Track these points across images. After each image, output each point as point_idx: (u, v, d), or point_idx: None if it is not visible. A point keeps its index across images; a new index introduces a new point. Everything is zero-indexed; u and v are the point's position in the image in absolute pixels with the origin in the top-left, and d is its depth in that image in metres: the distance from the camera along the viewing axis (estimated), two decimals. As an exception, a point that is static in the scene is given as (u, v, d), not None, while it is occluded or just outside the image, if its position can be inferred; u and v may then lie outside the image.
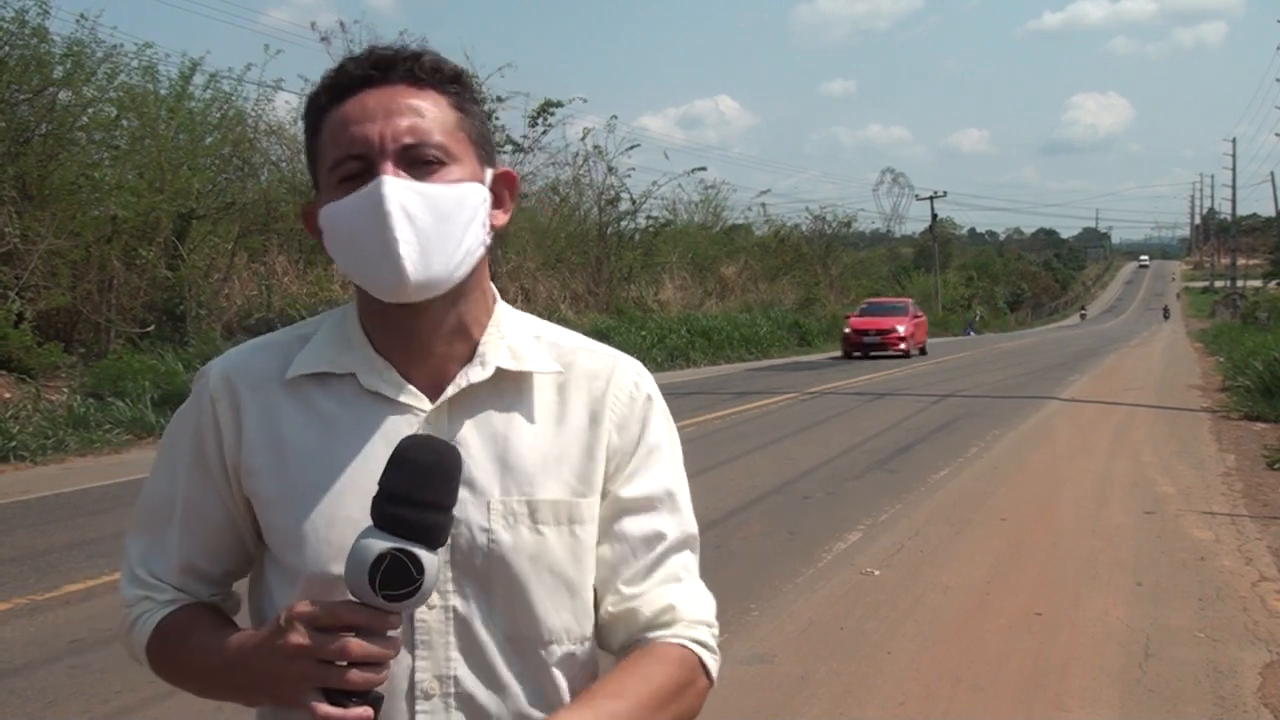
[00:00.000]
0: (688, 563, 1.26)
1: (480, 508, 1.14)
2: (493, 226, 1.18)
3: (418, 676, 1.12)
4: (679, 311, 29.20)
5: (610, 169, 28.19)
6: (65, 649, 4.70)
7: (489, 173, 1.19)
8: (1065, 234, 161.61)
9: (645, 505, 1.23)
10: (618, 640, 1.21)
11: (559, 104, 24.31)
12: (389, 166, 1.09)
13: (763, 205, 45.99)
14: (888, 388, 17.92)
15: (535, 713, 1.15)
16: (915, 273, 62.13)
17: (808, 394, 16.83)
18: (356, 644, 1.00)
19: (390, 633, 1.02)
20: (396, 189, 1.08)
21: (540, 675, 1.16)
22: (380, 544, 0.98)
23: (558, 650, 1.17)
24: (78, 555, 6.31)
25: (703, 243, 35.24)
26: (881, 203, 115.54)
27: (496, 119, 22.93)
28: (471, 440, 1.15)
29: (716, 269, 35.15)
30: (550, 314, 22.98)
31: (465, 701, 1.13)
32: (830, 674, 4.39)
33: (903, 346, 26.42)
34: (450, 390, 1.16)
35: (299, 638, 1.01)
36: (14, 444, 10.44)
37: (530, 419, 1.18)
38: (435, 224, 1.10)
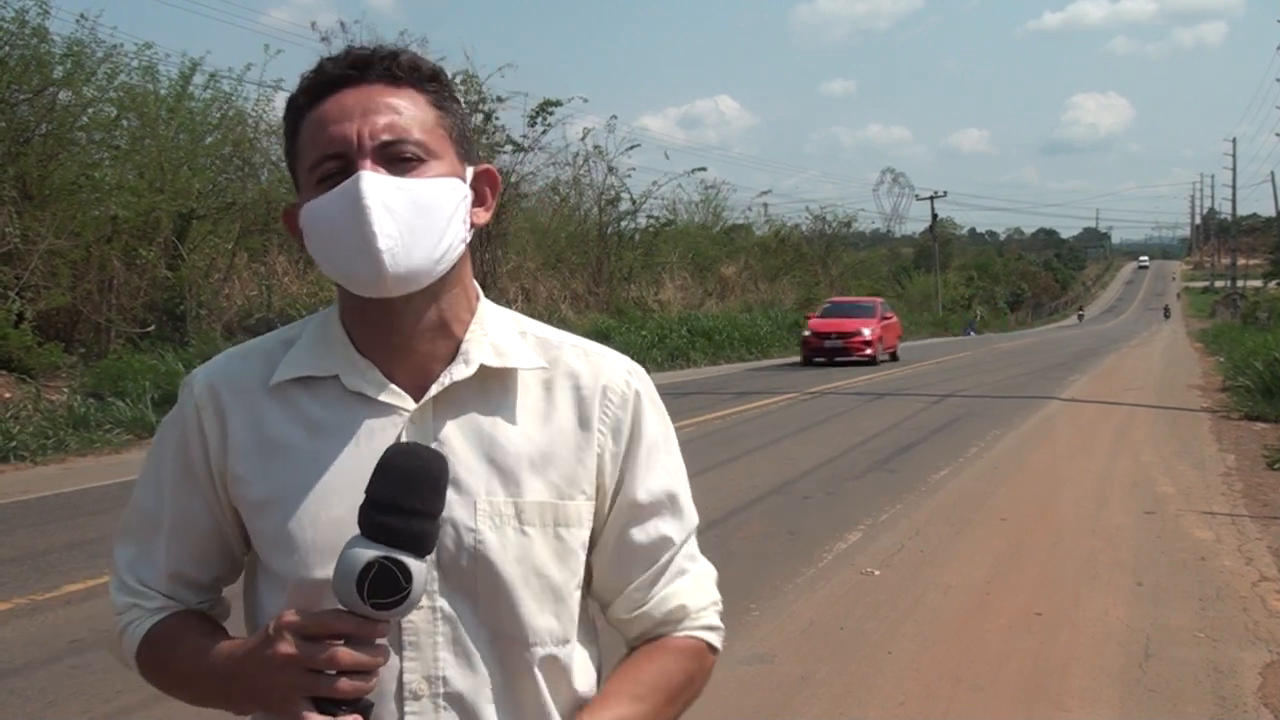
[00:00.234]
0: (691, 552, 1.29)
1: (467, 508, 1.14)
2: (473, 224, 1.18)
3: (406, 677, 1.12)
4: (679, 311, 29.21)
5: (610, 169, 28.24)
6: (65, 649, 4.70)
7: (469, 170, 1.19)
8: (1065, 234, 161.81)
9: (650, 511, 1.24)
10: (631, 634, 1.26)
11: (558, 103, 24.34)
12: (367, 164, 1.09)
13: (763, 205, 46.07)
14: (888, 388, 17.92)
15: (525, 713, 1.16)
16: (915, 273, 62.12)
17: (808, 394, 16.83)
18: (345, 653, 1.00)
19: (378, 640, 1.02)
20: (375, 184, 1.08)
21: (527, 675, 1.16)
22: (368, 553, 0.98)
23: (540, 652, 1.17)
24: (78, 555, 6.31)
25: (703, 243, 35.26)
26: (881, 203, 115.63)
27: (497, 119, 22.95)
28: (456, 439, 1.15)
29: (717, 269, 35.16)
30: (550, 314, 23.03)
31: (454, 701, 1.13)
32: (830, 674, 4.39)
33: (869, 352, 23.61)
34: (434, 389, 1.16)
35: (287, 647, 1.02)
36: (14, 444, 10.44)
37: (516, 417, 1.18)
38: (415, 218, 1.10)
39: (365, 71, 1.13)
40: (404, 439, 1.14)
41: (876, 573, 5.93)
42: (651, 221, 30.62)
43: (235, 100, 18.36)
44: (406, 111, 1.13)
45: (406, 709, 1.12)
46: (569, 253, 27.87)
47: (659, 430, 1.26)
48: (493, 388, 1.18)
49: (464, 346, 1.18)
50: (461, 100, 1.22)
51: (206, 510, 1.20)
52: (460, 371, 1.16)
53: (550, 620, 1.17)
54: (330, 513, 1.12)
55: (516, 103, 27.95)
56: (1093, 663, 4.50)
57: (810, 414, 14.13)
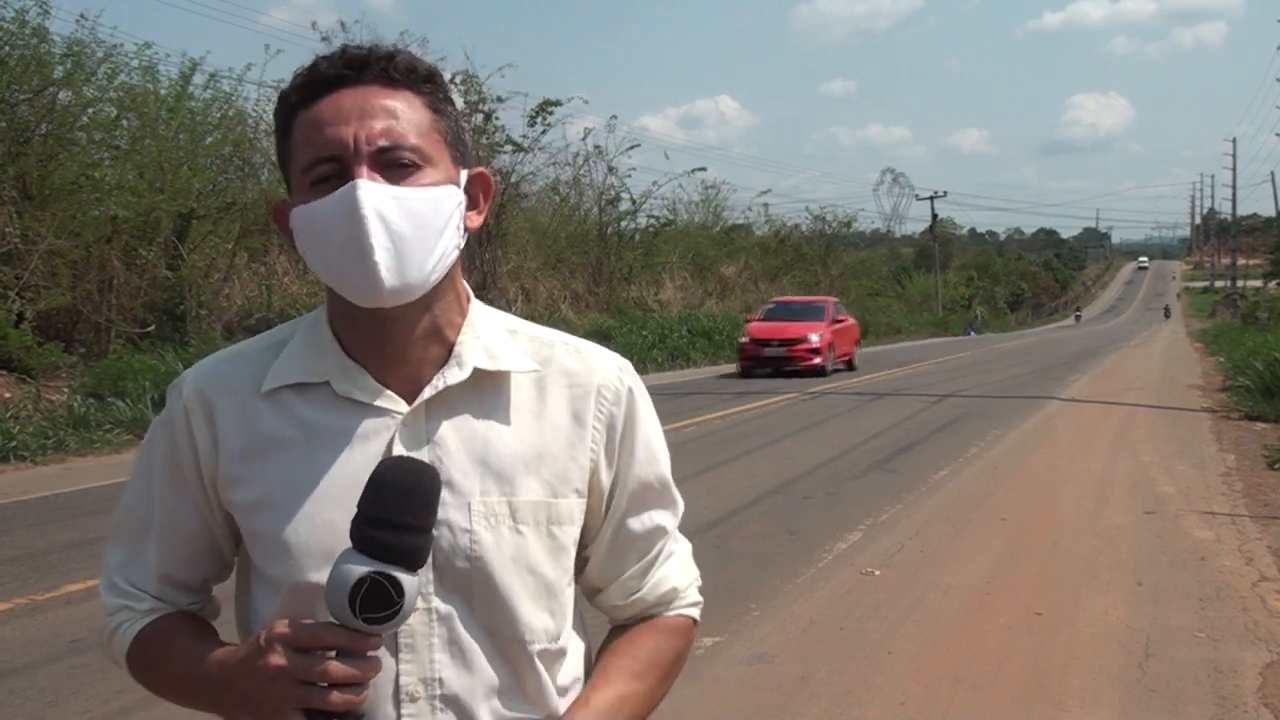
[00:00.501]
0: (676, 535, 1.33)
1: (461, 509, 1.14)
2: (466, 228, 1.17)
3: (402, 680, 1.12)
4: (679, 311, 29.19)
5: (610, 169, 28.20)
6: (65, 649, 4.70)
7: (464, 174, 1.17)
8: (1065, 234, 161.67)
9: (645, 502, 1.27)
10: (622, 617, 1.30)
11: (558, 103, 24.32)
12: (364, 170, 1.08)
13: (763, 205, 46.02)
14: (888, 388, 17.92)
15: (519, 712, 1.16)
16: (915, 273, 62.13)
17: (808, 394, 16.82)
18: (337, 666, 1.00)
19: (370, 653, 1.02)
20: (372, 193, 1.07)
21: (523, 674, 1.17)
22: (360, 568, 0.98)
23: (536, 649, 1.17)
24: (78, 555, 6.32)
25: (703, 243, 35.25)
26: (882, 203, 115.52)
27: (496, 119, 22.94)
28: (450, 441, 1.15)
29: (717, 269, 35.15)
30: (550, 314, 23.04)
31: (451, 702, 1.13)
32: (830, 674, 4.39)
33: (817, 361, 20.25)
34: (427, 392, 1.15)
35: (279, 659, 1.02)
36: (14, 444, 10.44)
37: (509, 418, 1.18)
38: (411, 229, 1.09)
39: (361, 72, 1.12)
40: (397, 442, 1.13)
41: (876, 573, 5.93)
42: (651, 221, 30.62)
43: (235, 100, 18.38)
44: (403, 115, 1.11)
45: (403, 711, 1.12)
46: (569, 253, 27.86)
47: (651, 423, 1.27)
48: (486, 390, 1.18)
49: (457, 349, 1.18)
50: (457, 101, 1.21)
51: (196, 513, 1.20)
52: (454, 375, 1.16)
53: (545, 618, 1.18)
54: (324, 517, 1.12)
55: (516, 103, 27.98)
56: (1093, 663, 4.50)
57: (810, 414, 14.13)
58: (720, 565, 6.02)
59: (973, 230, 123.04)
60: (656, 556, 1.29)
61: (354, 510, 1.02)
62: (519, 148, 23.93)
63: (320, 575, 1.04)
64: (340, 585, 0.98)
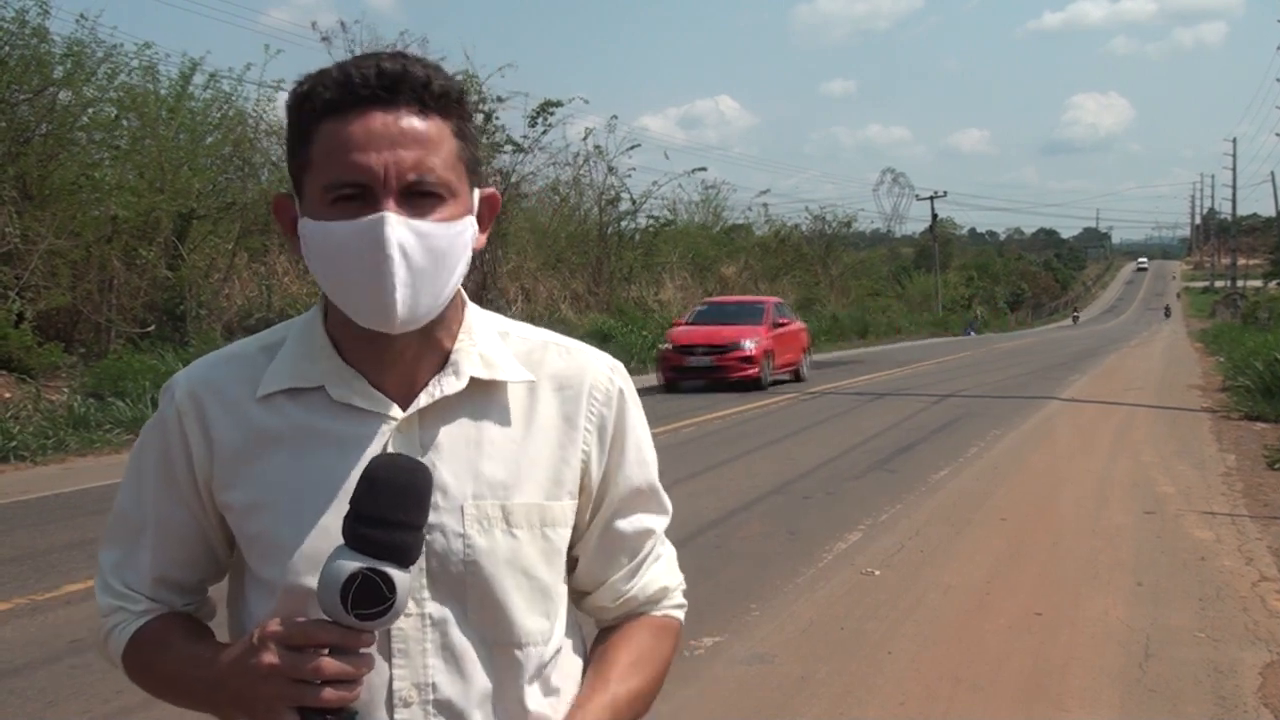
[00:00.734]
0: (663, 538, 1.32)
1: (454, 513, 1.14)
2: (473, 250, 1.17)
3: (396, 685, 1.12)
4: (679, 311, 29.19)
5: (610, 169, 28.23)
6: (65, 649, 4.70)
7: (476, 195, 1.17)
8: (1065, 234, 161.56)
9: (635, 504, 1.27)
10: (610, 618, 1.30)
11: (559, 104, 24.33)
12: (391, 203, 1.07)
13: (763, 205, 46.04)
14: (888, 388, 17.92)
15: (512, 717, 1.17)
16: (915, 273, 62.15)
17: (808, 394, 16.82)
18: (329, 663, 1.00)
19: (363, 650, 1.02)
20: (397, 230, 1.06)
21: (516, 679, 1.17)
22: (351, 564, 0.98)
23: (532, 652, 1.18)
24: (78, 555, 6.32)
25: (703, 243, 35.27)
26: (882, 203, 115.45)
27: (496, 119, 22.94)
28: (444, 446, 1.15)
29: (717, 269, 35.17)
30: (550, 314, 23.05)
31: (444, 707, 1.13)
32: (830, 674, 4.39)
33: (751, 372, 17.01)
34: (423, 400, 1.15)
35: (271, 657, 1.02)
36: (14, 444, 10.45)
37: (502, 424, 1.18)
38: (429, 264, 1.08)
39: (395, 94, 1.08)
40: (391, 447, 1.13)
41: (877, 573, 5.93)
42: (651, 221, 30.64)
43: (235, 100, 18.40)
44: (434, 146, 1.09)
45: (396, 716, 1.12)
46: (569, 253, 27.87)
47: (641, 426, 1.27)
48: (480, 397, 1.18)
49: (453, 357, 1.18)
50: (471, 115, 1.19)
51: (189, 515, 1.20)
52: (451, 385, 1.16)
53: (539, 620, 1.18)
54: (318, 521, 1.11)
55: (516, 103, 28.00)
56: (1093, 663, 4.50)
57: (810, 414, 14.13)
58: (720, 565, 6.02)
59: (973, 230, 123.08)
60: (645, 558, 1.28)
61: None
62: (519, 148, 23.94)
63: (314, 579, 1.04)
64: (332, 581, 0.98)
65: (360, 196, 1.07)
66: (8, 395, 12.31)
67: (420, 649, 1.13)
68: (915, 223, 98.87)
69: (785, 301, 22.99)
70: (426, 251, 1.08)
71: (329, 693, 1.01)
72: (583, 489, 1.22)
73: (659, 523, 1.30)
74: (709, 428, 12.52)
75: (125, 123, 16.38)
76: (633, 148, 28.62)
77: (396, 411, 1.15)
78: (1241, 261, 77.96)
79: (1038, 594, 5.57)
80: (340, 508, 1.04)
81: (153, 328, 15.42)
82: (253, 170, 19.73)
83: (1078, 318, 72.12)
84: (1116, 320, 69.78)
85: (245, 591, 1.20)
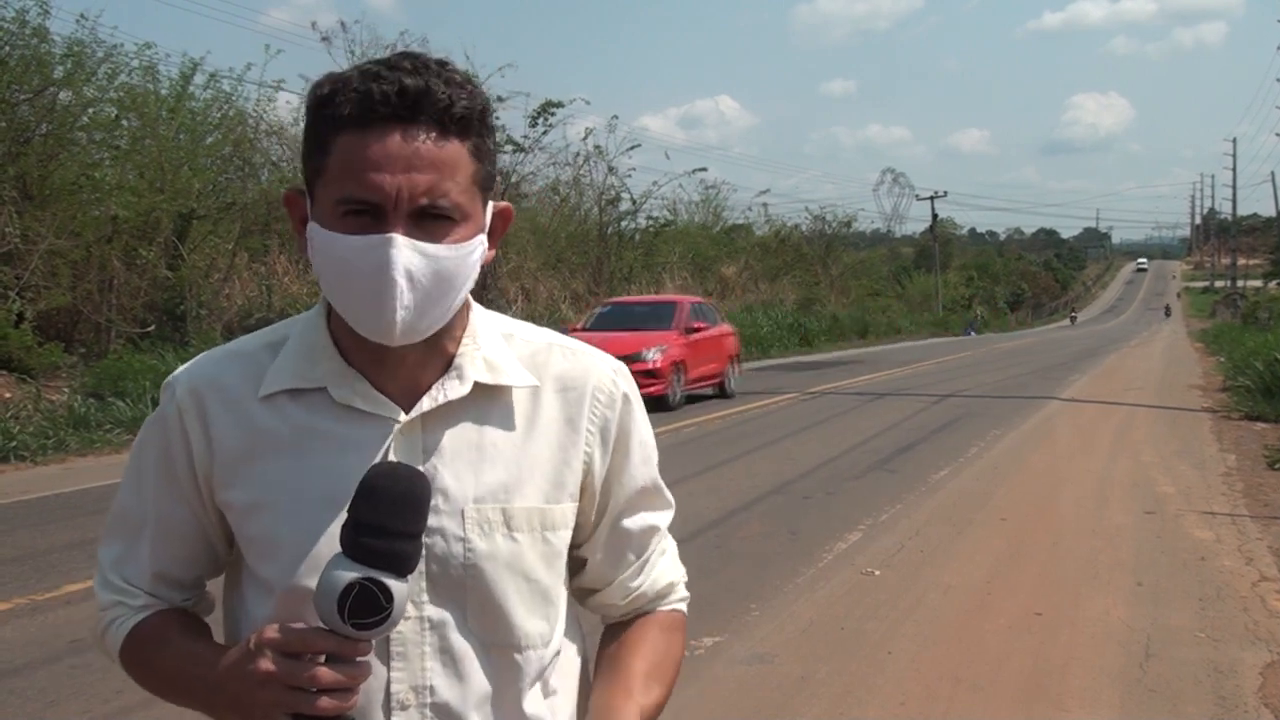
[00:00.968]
0: (666, 533, 1.34)
1: (455, 517, 1.14)
2: (482, 263, 1.16)
3: (393, 688, 1.12)
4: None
5: (611, 169, 28.24)
6: (66, 649, 4.70)
7: (489, 209, 1.16)
8: (1066, 234, 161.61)
9: (640, 503, 1.28)
10: (618, 615, 1.31)
11: (559, 104, 24.35)
12: (400, 226, 1.06)
13: (763, 205, 46.07)
14: (888, 388, 17.92)
15: (511, 719, 1.17)
16: (916, 273, 62.16)
17: (808, 394, 16.82)
18: (325, 672, 1.00)
19: (360, 659, 1.02)
20: (404, 253, 1.06)
21: (515, 680, 1.17)
22: (348, 574, 0.98)
23: (532, 655, 1.18)
24: (78, 555, 6.32)
25: (703, 243, 35.27)
26: (882, 203, 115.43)
27: (496, 119, 22.90)
28: (446, 450, 1.15)
29: (717, 269, 35.17)
30: (550, 314, 23.02)
31: (441, 711, 1.13)
32: (831, 674, 4.39)
33: (656, 388, 13.99)
34: (426, 404, 1.15)
35: (268, 664, 1.02)
36: (14, 444, 10.45)
37: (505, 427, 1.18)
38: (435, 287, 1.08)
39: (416, 113, 1.07)
40: (392, 450, 1.13)
41: (877, 573, 5.93)
42: (652, 222, 30.64)
43: (235, 100, 18.41)
44: (449, 171, 1.08)
45: (394, 719, 1.12)
46: (569, 253, 27.87)
47: (644, 426, 1.28)
48: (483, 401, 1.18)
49: (457, 361, 1.17)
50: (494, 129, 1.17)
51: (189, 512, 1.20)
52: (454, 389, 1.16)
53: (539, 623, 1.18)
54: (317, 522, 1.11)
55: (517, 103, 27.95)
56: (1093, 663, 4.50)
57: (810, 414, 14.12)
58: (720, 565, 6.02)
59: (973, 230, 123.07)
60: (652, 555, 1.30)
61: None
62: (519, 148, 23.95)
63: (313, 580, 1.04)
64: (329, 591, 0.98)
65: (370, 214, 1.07)
66: (8, 395, 12.31)
67: (419, 652, 1.13)
68: (915, 223, 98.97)
69: (710, 302, 20.72)
70: (433, 274, 1.08)
71: (325, 701, 1.00)
72: (585, 491, 1.22)
73: (664, 519, 1.31)
74: (709, 428, 12.52)
75: (125, 123, 16.38)
76: (633, 148, 28.66)
77: (399, 414, 1.15)
78: (1241, 261, 77.95)
79: (1038, 594, 5.57)
80: (340, 510, 1.04)
81: (153, 328, 15.42)
82: (253, 170, 19.75)
83: (1075, 318, 70.68)
84: (1116, 320, 69.74)
85: (243, 589, 1.20)
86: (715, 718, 4.04)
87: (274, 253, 18.88)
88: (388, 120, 1.06)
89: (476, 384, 1.16)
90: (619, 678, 1.22)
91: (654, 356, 14.40)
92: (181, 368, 1.23)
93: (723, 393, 16.49)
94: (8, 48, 14.18)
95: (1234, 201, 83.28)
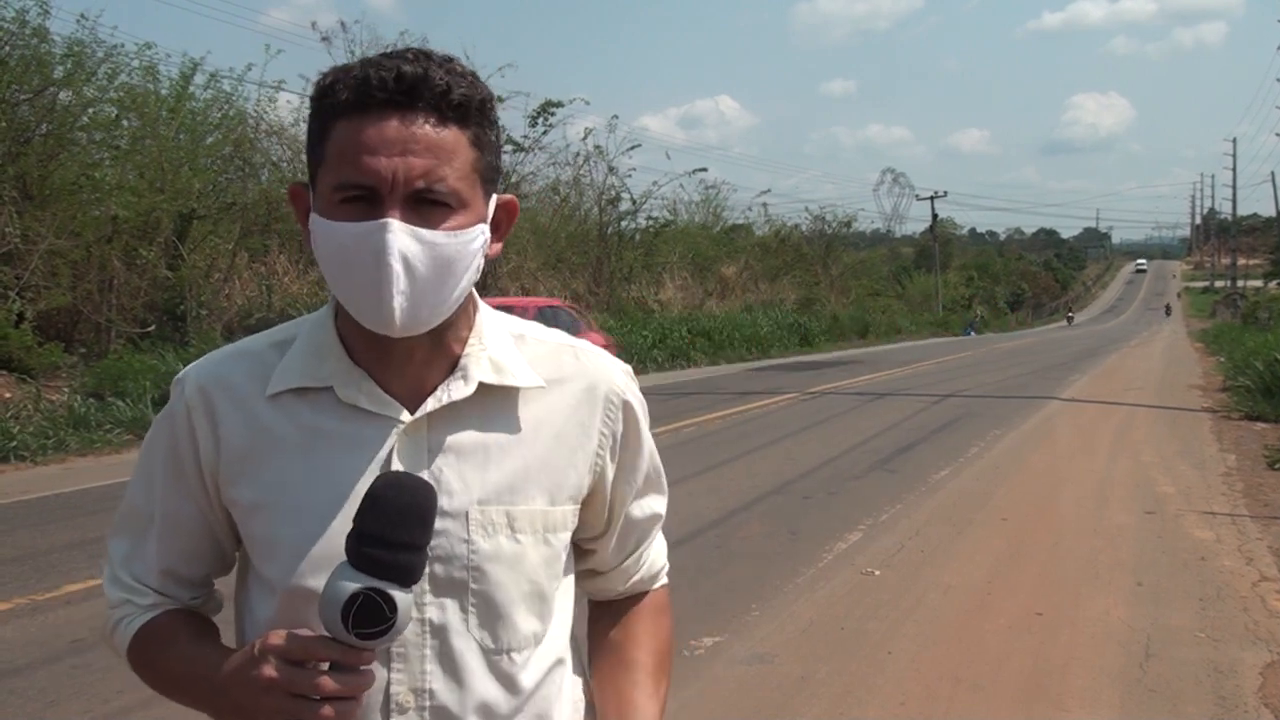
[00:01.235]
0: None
1: (459, 519, 1.14)
2: (486, 256, 1.16)
3: (393, 690, 1.12)
4: (680, 311, 29.19)
5: (611, 169, 28.24)
6: (66, 649, 4.70)
7: (493, 202, 1.16)
8: (1066, 234, 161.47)
9: (645, 490, 1.31)
10: (613, 595, 1.36)
11: (559, 104, 24.36)
12: (396, 210, 1.06)
13: (763, 205, 45.94)
14: (888, 388, 17.92)
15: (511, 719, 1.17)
16: (916, 273, 62.12)
17: (808, 394, 16.82)
18: (328, 680, 1.00)
19: (364, 667, 1.02)
20: (400, 238, 1.05)
21: (512, 684, 1.17)
22: (353, 585, 0.98)
23: (528, 655, 1.18)
24: (78, 555, 6.32)
25: (703, 243, 35.26)
26: (882, 203, 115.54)
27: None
28: (451, 451, 1.15)
29: (717, 269, 35.16)
30: (551, 314, 22.96)
31: (439, 714, 1.13)
32: (831, 674, 4.39)
33: None
34: (430, 404, 1.15)
35: (271, 671, 1.02)
36: (14, 444, 10.44)
37: (512, 430, 1.18)
38: (433, 273, 1.08)
39: (413, 99, 1.07)
40: (397, 451, 1.13)
41: (877, 573, 5.93)
42: (652, 221, 30.64)
43: (236, 100, 18.42)
44: (446, 156, 1.08)
45: None
46: (569, 253, 27.86)
47: (646, 423, 1.30)
48: (489, 402, 1.18)
49: (463, 362, 1.17)
50: (499, 123, 1.17)
51: (197, 510, 1.20)
52: (459, 390, 1.16)
53: (536, 623, 1.19)
54: (321, 523, 1.12)
55: (517, 103, 27.94)
56: (1093, 663, 4.50)
57: (810, 414, 14.12)
58: (720, 565, 6.02)
59: (973, 230, 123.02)
60: (652, 540, 1.35)
61: (352, 517, 1.02)
62: (519, 148, 23.96)
63: (316, 581, 1.04)
64: (334, 600, 0.99)
65: (367, 199, 1.07)
66: (8, 395, 12.31)
67: (419, 654, 1.13)
68: (915, 223, 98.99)
69: (572, 306, 19.28)
70: (430, 260, 1.07)
71: (327, 709, 1.00)
72: (596, 491, 1.23)
73: (663, 503, 1.35)
74: (709, 428, 12.52)
75: (125, 123, 16.39)
76: (633, 148, 28.68)
77: (404, 415, 1.15)
78: (1242, 261, 77.93)
79: (1038, 594, 5.57)
80: (344, 510, 1.04)
81: (153, 328, 15.42)
82: (253, 170, 19.74)
83: (1072, 318, 68.35)
84: (1116, 320, 69.68)
85: (249, 587, 1.20)
86: (715, 718, 4.04)
87: (274, 253, 18.87)
88: (385, 106, 1.07)
89: (482, 384, 1.16)
90: (631, 674, 1.26)
91: None
92: (190, 365, 1.23)
93: None
94: (8, 48, 14.17)
95: (1234, 201, 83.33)
